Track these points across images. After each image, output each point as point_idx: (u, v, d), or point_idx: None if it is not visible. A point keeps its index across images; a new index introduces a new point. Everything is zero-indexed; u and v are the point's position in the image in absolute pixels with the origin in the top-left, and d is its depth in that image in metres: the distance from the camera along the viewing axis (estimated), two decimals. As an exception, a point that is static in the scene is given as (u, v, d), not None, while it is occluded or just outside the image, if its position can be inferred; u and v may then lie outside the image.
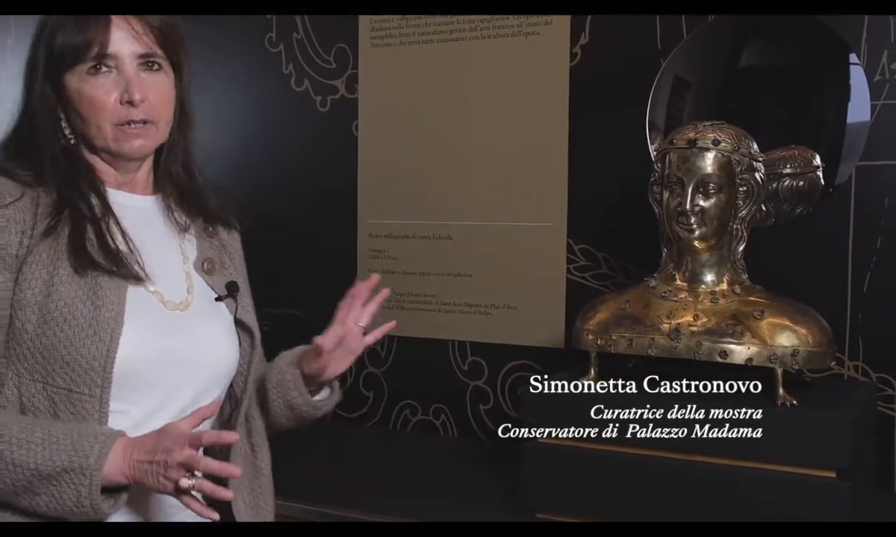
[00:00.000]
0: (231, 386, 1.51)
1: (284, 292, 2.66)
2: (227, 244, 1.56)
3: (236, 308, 1.49)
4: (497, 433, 2.36)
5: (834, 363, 2.05)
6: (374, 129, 2.58)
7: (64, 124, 1.40)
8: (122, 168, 1.44)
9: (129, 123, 1.37)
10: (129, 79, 1.36)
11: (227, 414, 1.52)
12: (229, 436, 1.32)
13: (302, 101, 2.66)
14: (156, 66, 1.41)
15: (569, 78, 2.35)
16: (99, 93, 1.36)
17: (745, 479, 1.70)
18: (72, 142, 1.40)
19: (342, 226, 2.63)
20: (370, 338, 1.52)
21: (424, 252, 2.53)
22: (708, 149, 1.77)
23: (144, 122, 1.38)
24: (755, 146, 1.83)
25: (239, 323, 1.49)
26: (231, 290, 1.49)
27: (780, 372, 1.72)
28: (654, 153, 1.95)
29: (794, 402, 1.70)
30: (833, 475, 1.66)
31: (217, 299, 1.47)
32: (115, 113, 1.36)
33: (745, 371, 1.76)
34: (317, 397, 1.56)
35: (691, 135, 1.79)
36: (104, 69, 1.36)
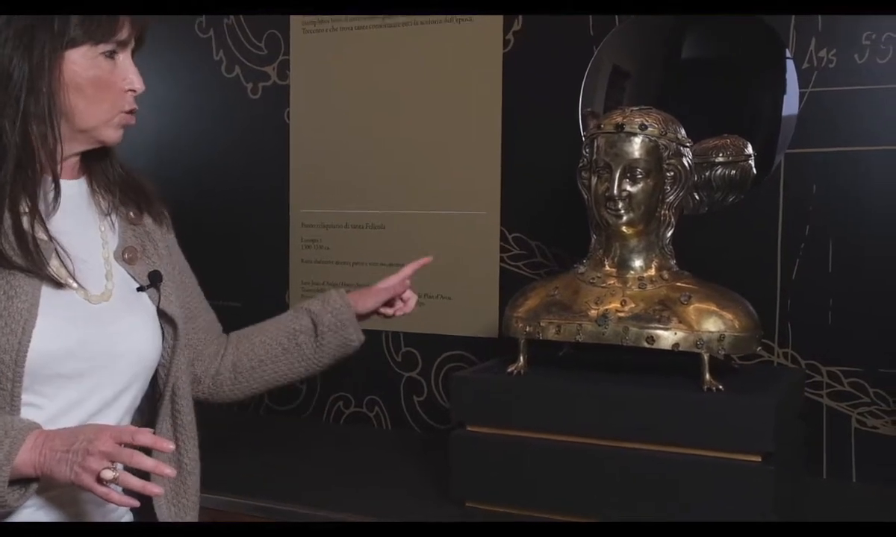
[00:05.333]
0: (154, 379, 1.46)
1: (214, 283, 2.56)
2: (151, 231, 1.50)
3: (159, 298, 1.44)
4: (431, 424, 2.41)
5: (764, 350, 2.07)
6: (307, 117, 2.56)
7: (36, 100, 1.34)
8: (76, 150, 1.39)
9: (128, 112, 1.37)
10: (133, 69, 1.37)
11: (148, 410, 1.47)
12: (164, 444, 1.24)
13: (233, 88, 2.64)
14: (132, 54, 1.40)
15: (502, 64, 2.34)
16: (113, 77, 1.35)
17: (671, 464, 1.70)
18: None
19: (274, 215, 2.60)
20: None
21: (357, 241, 2.51)
22: (635, 134, 1.78)
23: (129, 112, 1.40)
24: (682, 131, 1.83)
25: (162, 313, 1.44)
26: (154, 280, 1.44)
27: (706, 357, 1.73)
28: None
29: (720, 387, 1.71)
30: (758, 459, 1.66)
31: (139, 289, 1.43)
32: (120, 99, 1.36)
33: (672, 356, 1.76)
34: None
35: (618, 119, 1.79)
36: (117, 54, 1.36)
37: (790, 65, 2.06)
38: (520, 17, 2.32)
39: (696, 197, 1.89)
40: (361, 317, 1.64)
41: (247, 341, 1.61)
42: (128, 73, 1.37)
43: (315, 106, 2.54)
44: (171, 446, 1.25)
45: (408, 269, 1.67)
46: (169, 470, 1.21)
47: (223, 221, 2.64)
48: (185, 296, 1.54)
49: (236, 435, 2.37)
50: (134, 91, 1.37)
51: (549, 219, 2.30)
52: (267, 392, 1.66)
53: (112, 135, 1.38)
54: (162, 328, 1.45)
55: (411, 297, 1.66)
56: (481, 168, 2.37)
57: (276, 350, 1.60)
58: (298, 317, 1.61)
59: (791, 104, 2.06)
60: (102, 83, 1.35)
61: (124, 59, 1.37)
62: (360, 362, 2.46)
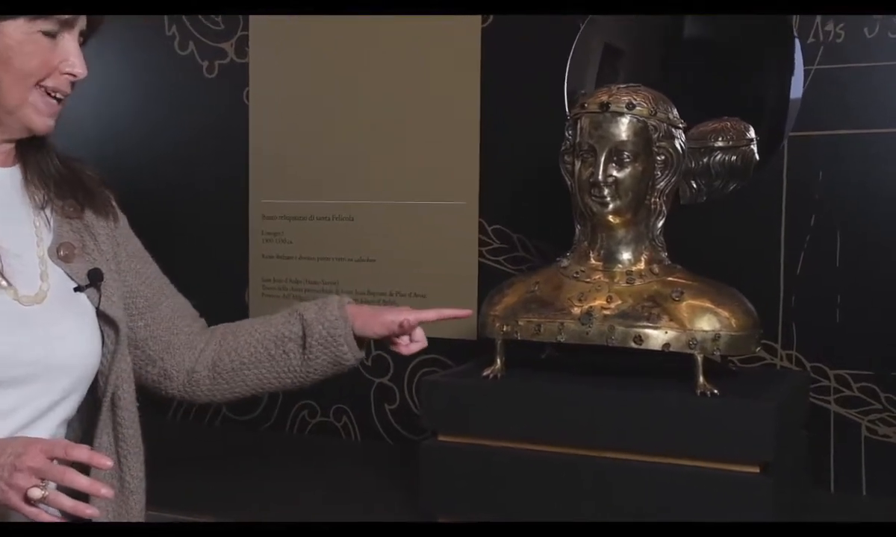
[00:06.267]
0: (92, 387, 1.38)
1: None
2: (91, 225, 1.43)
3: (99, 298, 1.37)
4: (404, 434, 2.38)
5: (765, 352, 2.03)
6: (268, 98, 2.50)
7: None
8: (7, 136, 1.33)
9: (54, 95, 1.32)
10: (76, 52, 1.32)
11: (87, 421, 1.39)
12: (102, 461, 1.17)
13: (187, 67, 2.58)
14: (81, 42, 1.36)
15: (480, 40, 2.28)
16: (51, 57, 1.30)
17: (662, 476, 1.64)
18: None
19: (231, 206, 2.54)
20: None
21: (323, 235, 2.45)
22: (622, 114, 1.71)
23: (61, 100, 1.35)
24: (674, 111, 1.79)
25: (102, 315, 1.37)
26: (93, 279, 1.37)
27: (699, 358, 1.66)
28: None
29: (715, 392, 1.65)
30: (756, 470, 1.61)
31: (76, 290, 1.35)
32: (54, 80, 1.31)
33: (663, 358, 1.71)
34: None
35: (604, 98, 1.73)
36: (60, 34, 1.31)
37: (796, 42, 2.00)
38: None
39: (694, 185, 1.86)
40: (362, 337, 1.53)
41: (232, 338, 1.53)
42: (69, 55, 1.31)
43: (277, 86, 2.48)
44: (110, 462, 1.19)
45: (431, 314, 1.54)
46: (105, 491, 1.16)
47: (175, 212, 2.58)
48: (140, 284, 1.48)
49: (189, 448, 2.33)
50: (73, 75, 1.31)
51: (533, 209, 2.23)
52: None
53: (38, 122, 1.32)
54: (102, 331, 1.37)
55: (420, 342, 1.52)
56: (458, 154, 2.30)
57: (261, 354, 1.52)
58: (290, 322, 1.53)
59: (796, 83, 2.00)
60: (35, 60, 1.29)
61: (69, 40, 1.31)
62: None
